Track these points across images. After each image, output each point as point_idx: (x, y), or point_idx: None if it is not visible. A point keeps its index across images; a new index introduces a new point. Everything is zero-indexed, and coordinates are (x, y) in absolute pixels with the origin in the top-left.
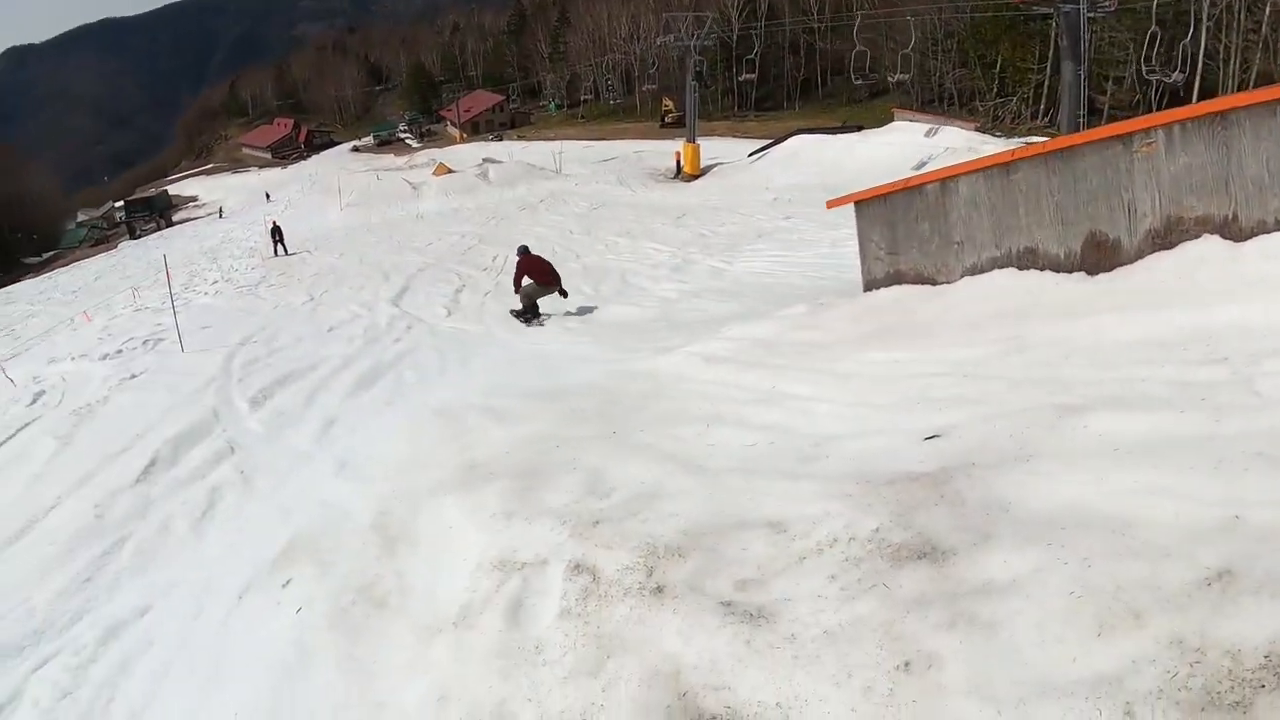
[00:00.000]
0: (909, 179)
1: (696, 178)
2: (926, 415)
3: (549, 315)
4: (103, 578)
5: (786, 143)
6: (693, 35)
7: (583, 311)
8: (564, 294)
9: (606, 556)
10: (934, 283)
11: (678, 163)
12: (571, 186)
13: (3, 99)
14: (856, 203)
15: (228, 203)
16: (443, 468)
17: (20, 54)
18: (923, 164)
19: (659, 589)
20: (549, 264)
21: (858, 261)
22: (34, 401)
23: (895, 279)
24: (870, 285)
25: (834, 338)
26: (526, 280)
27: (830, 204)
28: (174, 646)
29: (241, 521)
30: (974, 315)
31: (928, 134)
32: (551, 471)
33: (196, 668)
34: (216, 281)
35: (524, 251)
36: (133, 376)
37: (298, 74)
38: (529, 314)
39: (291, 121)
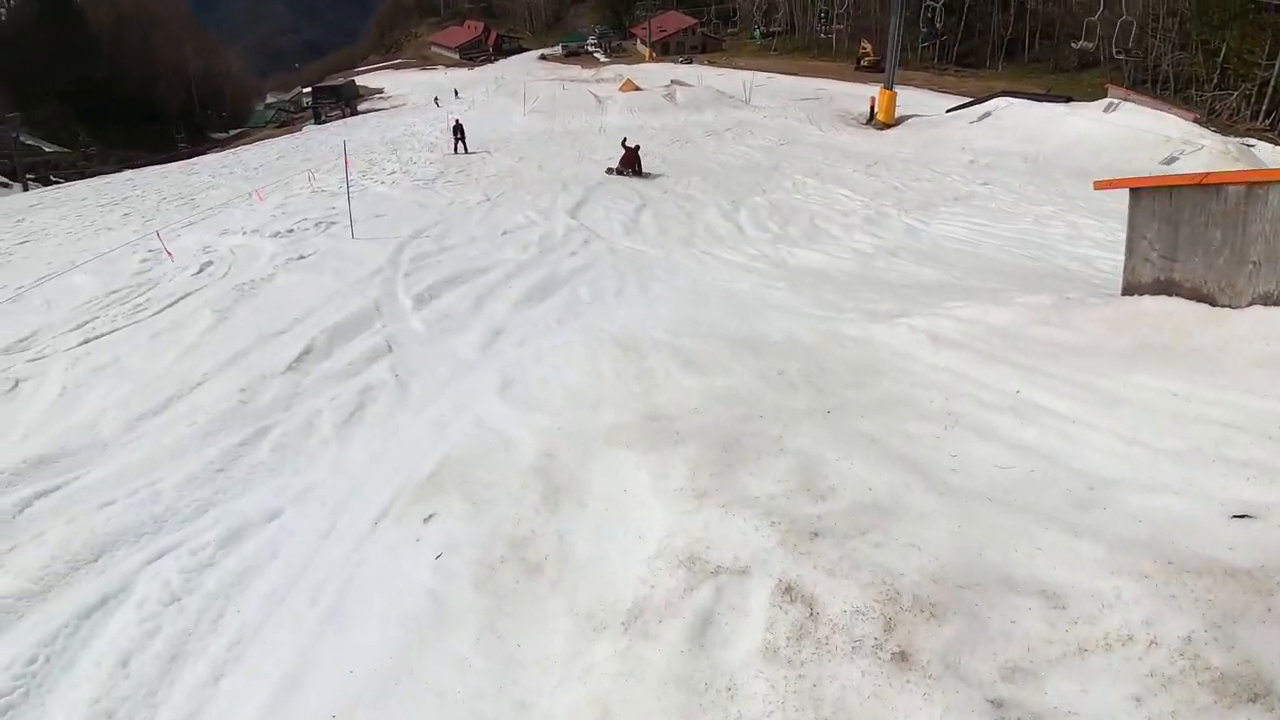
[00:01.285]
0: (1205, 175)
1: (890, 126)
2: (1229, 480)
3: (728, 260)
4: (236, 469)
5: (988, 103)
6: None
7: (771, 251)
8: (639, 175)
9: (829, 587)
10: (1214, 303)
11: (871, 108)
12: (759, 119)
13: None
14: (1133, 189)
15: (413, 98)
16: (620, 410)
17: None
18: (1172, 160)
19: (903, 655)
20: (633, 155)
21: (1071, 247)
22: (200, 271)
23: (1165, 288)
24: (1132, 289)
25: (1089, 343)
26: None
27: (1099, 185)
28: (297, 566)
29: (390, 430)
30: (1271, 355)
31: (1106, 109)
32: (753, 447)
33: (318, 598)
34: (394, 172)
35: (624, 145)
36: (301, 257)
37: None
38: (613, 172)
39: (482, 25)
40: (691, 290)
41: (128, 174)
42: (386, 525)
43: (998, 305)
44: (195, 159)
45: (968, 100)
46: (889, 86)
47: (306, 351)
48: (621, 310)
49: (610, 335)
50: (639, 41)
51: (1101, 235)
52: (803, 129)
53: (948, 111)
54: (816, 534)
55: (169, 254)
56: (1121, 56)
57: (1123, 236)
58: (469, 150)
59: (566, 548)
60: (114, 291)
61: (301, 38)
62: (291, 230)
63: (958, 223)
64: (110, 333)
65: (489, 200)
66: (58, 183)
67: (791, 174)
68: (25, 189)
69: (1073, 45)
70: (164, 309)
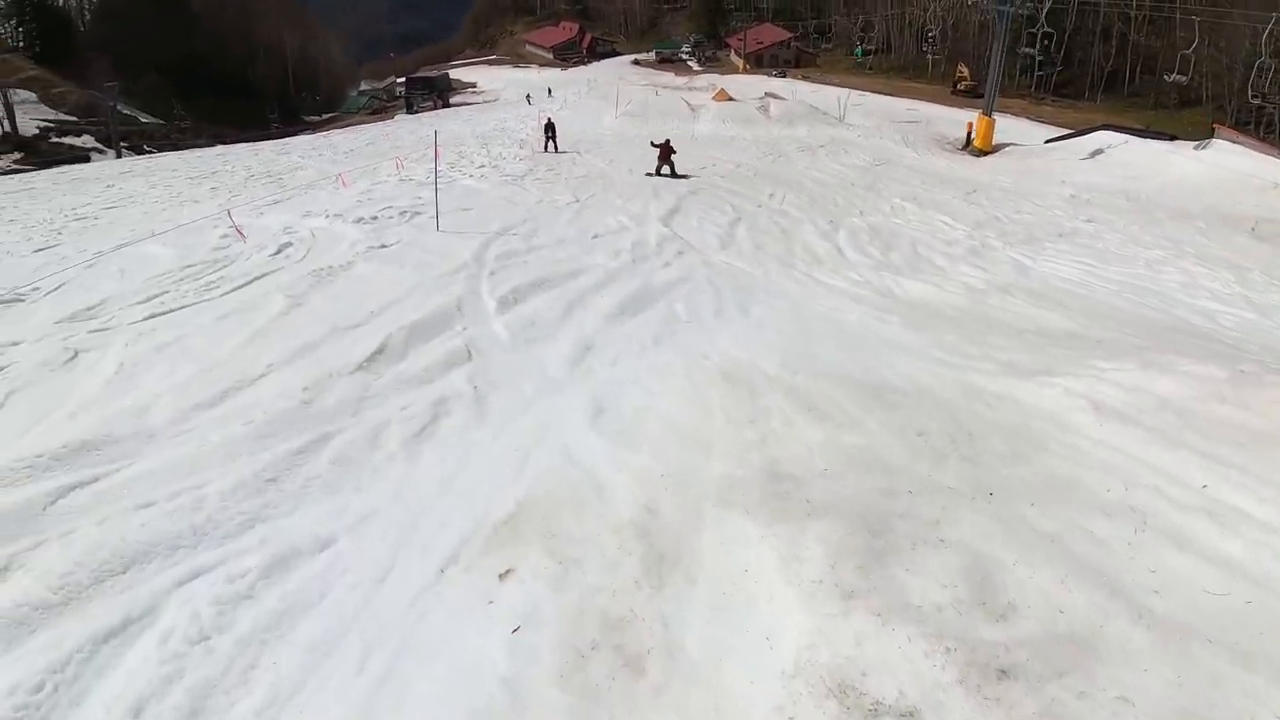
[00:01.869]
0: None
1: (987, 154)
2: None
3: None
4: (290, 481)
5: (1089, 136)
6: None
7: (875, 279)
8: (674, 172)
9: None
10: None
11: (968, 134)
12: (853, 137)
13: None
14: None
15: (506, 94)
16: (733, 460)
17: None
18: None
19: None
20: (666, 151)
21: (1189, 298)
22: (278, 252)
23: None
24: None
25: (1276, 432)
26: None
27: None
28: (348, 613)
29: (465, 452)
30: None
31: (1197, 148)
32: (906, 534)
33: (369, 659)
34: (483, 166)
35: (658, 144)
36: (382, 246)
37: None
38: (654, 174)
39: (577, 26)
40: (796, 316)
41: (220, 149)
42: (455, 574)
43: (1161, 372)
44: (287, 139)
45: (1067, 132)
46: (988, 113)
47: (380, 350)
48: (723, 334)
49: (715, 364)
50: (733, 52)
51: (1218, 287)
52: (898, 150)
53: (1046, 142)
54: (1004, 672)
55: (241, 235)
56: (1257, 101)
57: (1240, 290)
58: (559, 149)
59: (674, 639)
60: (189, 266)
61: (399, 28)
62: (375, 217)
63: (1066, 261)
64: (179, 309)
65: (578, 201)
66: (150, 152)
67: (889, 196)
68: (119, 156)
69: (1165, 78)
70: (236, 289)
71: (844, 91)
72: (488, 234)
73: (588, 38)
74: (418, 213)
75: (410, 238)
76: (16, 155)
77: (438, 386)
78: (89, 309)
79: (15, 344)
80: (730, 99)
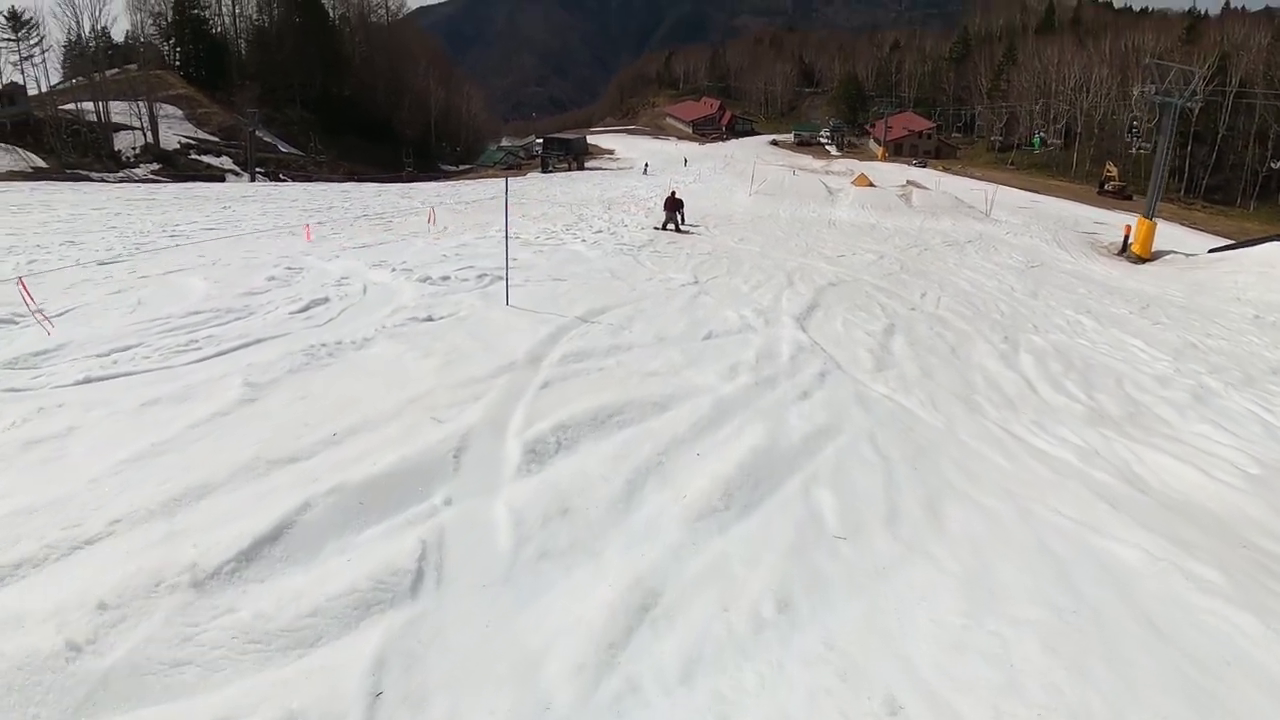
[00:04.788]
0: None
1: (1146, 261)
2: None
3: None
4: None
5: (1260, 249)
6: (1182, 89)
7: (1102, 444)
8: (680, 225)
9: None
10: None
11: (1126, 238)
12: (1001, 234)
13: (464, 27)
14: None
15: (641, 164)
16: None
17: None
18: None
19: None
20: (678, 202)
21: None
22: (303, 310)
23: None
24: None
25: None
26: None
27: None
28: None
29: None
30: None
31: None
32: None
33: None
34: (600, 231)
35: (671, 195)
36: (427, 319)
37: (732, 61)
38: (663, 227)
39: (718, 103)
40: (1041, 551)
41: (348, 185)
42: None
43: None
44: (416, 183)
45: (1231, 242)
46: (1149, 216)
47: (274, 535)
48: (917, 603)
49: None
50: (871, 139)
51: None
52: (1050, 251)
53: (1210, 252)
54: None
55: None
56: None
57: None
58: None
59: None
60: (196, 313)
61: (546, 91)
62: (447, 278)
63: None
64: (124, 375)
65: (697, 283)
66: (283, 180)
67: (1059, 307)
68: (252, 179)
69: None
70: (208, 358)
71: (991, 186)
72: (566, 318)
73: (727, 115)
74: (499, 278)
75: (469, 310)
76: (155, 166)
77: (304, 675)
78: (39, 354)
79: None
80: (871, 184)
